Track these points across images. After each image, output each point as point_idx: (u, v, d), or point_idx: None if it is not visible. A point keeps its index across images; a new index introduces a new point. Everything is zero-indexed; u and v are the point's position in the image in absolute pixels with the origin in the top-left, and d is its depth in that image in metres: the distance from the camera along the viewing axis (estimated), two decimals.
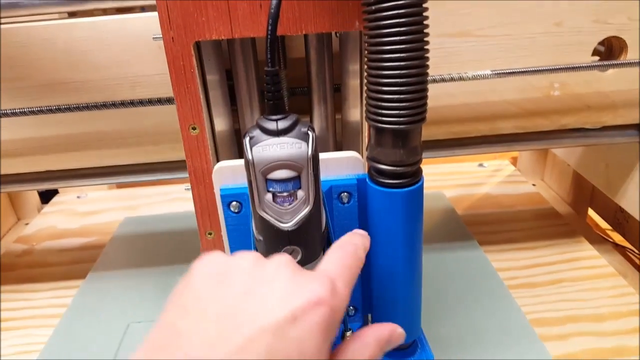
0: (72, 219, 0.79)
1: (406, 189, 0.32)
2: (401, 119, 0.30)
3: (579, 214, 0.77)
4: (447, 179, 0.85)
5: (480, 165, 0.90)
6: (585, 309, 0.53)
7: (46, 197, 0.88)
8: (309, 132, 0.28)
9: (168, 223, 0.74)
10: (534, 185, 0.83)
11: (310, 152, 0.28)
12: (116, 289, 0.59)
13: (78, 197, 0.87)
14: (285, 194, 0.29)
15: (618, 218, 0.74)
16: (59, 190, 0.89)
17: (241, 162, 0.35)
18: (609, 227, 0.79)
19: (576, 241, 0.66)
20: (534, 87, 0.48)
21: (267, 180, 0.29)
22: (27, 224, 0.80)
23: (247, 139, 0.28)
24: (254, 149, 0.28)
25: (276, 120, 0.28)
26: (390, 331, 0.28)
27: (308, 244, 0.30)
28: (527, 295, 0.55)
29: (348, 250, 0.27)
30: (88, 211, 0.81)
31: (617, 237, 0.76)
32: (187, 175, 0.38)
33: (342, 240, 0.29)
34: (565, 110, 0.50)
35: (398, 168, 0.31)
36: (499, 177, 0.85)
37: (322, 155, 0.33)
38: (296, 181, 0.29)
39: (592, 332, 0.50)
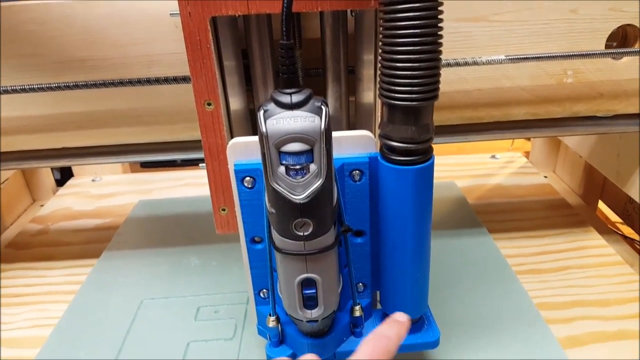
0: (87, 201, 0.81)
1: (417, 167, 0.33)
2: (413, 95, 0.30)
3: (589, 206, 0.77)
4: (459, 170, 0.85)
5: (493, 156, 0.90)
6: (591, 295, 0.53)
7: (62, 182, 0.89)
8: (322, 106, 0.29)
9: (182, 206, 0.75)
10: (545, 177, 0.83)
11: (323, 126, 0.29)
12: (130, 267, 0.60)
13: (93, 180, 0.88)
14: (297, 166, 0.29)
15: (627, 210, 0.73)
16: (74, 173, 0.90)
17: (255, 138, 0.35)
18: (618, 220, 0.79)
19: (585, 231, 0.66)
20: (548, 74, 0.48)
21: (280, 153, 0.29)
22: (42, 205, 0.82)
23: (261, 112, 0.29)
24: (268, 121, 0.28)
25: (290, 94, 0.29)
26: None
27: (319, 216, 0.31)
28: (534, 281, 0.55)
29: (380, 345, 0.30)
30: (102, 194, 0.83)
31: (627, 231, 0.76)
32: (201, 155, 0.39)
33: (378, 331, 0.31)
34: (578, 98, 0.50)
35: (409, 145, 0.32)
36: (511, 169, 0.85)
37: (335, 134, 0.34)
38: (309, 154, 0.29)
39: (597, 316, 0.50)
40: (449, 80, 0.47)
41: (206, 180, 0.40)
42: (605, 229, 0.68)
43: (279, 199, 0.30)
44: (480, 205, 0.73)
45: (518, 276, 0.56)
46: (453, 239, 0.63)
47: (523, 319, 0.49)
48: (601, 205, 0.81)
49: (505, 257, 0.59)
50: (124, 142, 0.49)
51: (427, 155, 0.33)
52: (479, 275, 0.55)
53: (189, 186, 0.84)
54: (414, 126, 0.31)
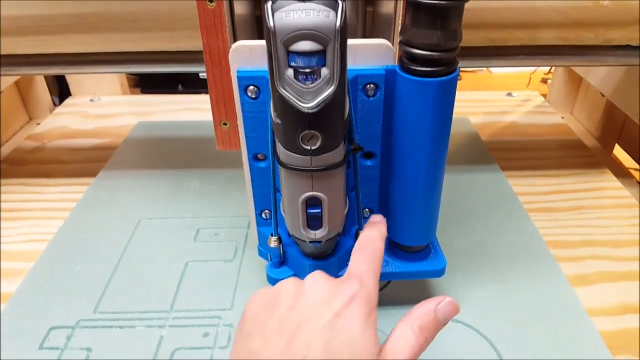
0: (85, 121, 0.78)
1: (439, 79, 0.29)
2: None
3: (606, 149, 0.74)
4: (473, 106, 0.81)
5: (509, 94, 0.86)
6: (603, 235, 0.52)
7: (61, 100, 0.86)
8: (339, 0, 0.25)
9: (182, 130, 0.72)
10: (562, 117, 0.79)
11: (339, 23, 0.25)
12: (128, 187, 0.59)
13: (91, 100, 0.85)
14: (307, 70, 0.26)
15: None
16: (72, 92, 0.87)
17: (261, 42, 0.32)
18: (634, 166, 0.77)
19: (600, 172, 0.63)
20: None
21: (288, 53, 0.26)
22: (38, 123, 0.79)
23: (268, 4, 0.25)
24: (276, 14, 0.25)
25: None
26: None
27: (329, 129, 0.28)
28: (545, 219, 0.53)
29: (368, 249, 0.31)
30: (101, 114, 0.80)
31: None
32: (202, 68, 0.36)
33: (362, 238, 0.32)
34: (613, 23, 0.46)
35: (433, 53, 0.28)
36: (527, 107, 0.82)
37: (350, 42, 0.30)
38: (321, 57, 0.26)
39: (607, 256, 0.49)
40: None
41: (209, 105, 0.37)
42: (621, 172, 0.66)
43: (285, 107, 0.27)
44: (494, 142, 0.70)
45: (529, 214, 0.54)
46: (464, 174, 0.61)
47: (532, 255, 0.47)
48: (617, 151, 0.78)
49: (516, 194, 0.57)
50: (121, 50, 0.46)
51: (451, 66, 0.30)
52: (489, 211, 0.54)
53: (191, 110, 0.81)
54: (440, 30, 0.28)
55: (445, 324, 0.29)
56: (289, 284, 0.28)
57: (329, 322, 0.25)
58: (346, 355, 0.24)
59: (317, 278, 0.28)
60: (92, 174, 0.62)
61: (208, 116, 0.38)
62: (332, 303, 0.26)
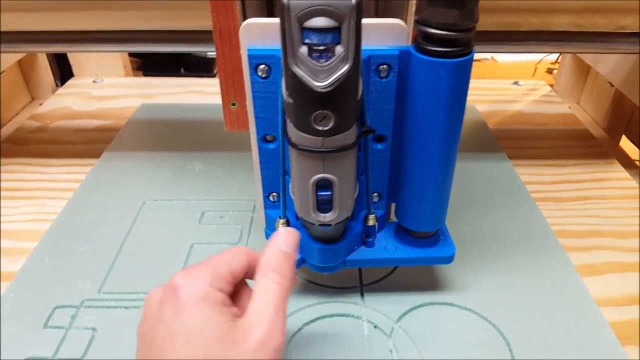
0: (87, 102, 0.77)
1: (455, 60, 0.29)
2: None
3: (613, 139, 0.73)
4: (480, 94, 0.80)
5: (515, 83, 0.85)
6: (610, 226, 0.51)
7: (62, 82, 0.85)
8: None
9: (186, 112, 0.72)
10: (569, 107, 0.79)
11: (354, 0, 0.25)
12: (132, 168, 0.58)
13: (94, 81, 0.84)
14: (322, 47, 0.26)
15: None
16: (75, 73, 0.86)
17: (273, 20, 0.31)
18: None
19: (607, 162, 0.63)
20: None
21: (303, 30, 0.25)
22: (40, 104, 0.78)
23: None
24: None
25: None
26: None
27: (342, 109, 0.28)
28: (553, 209, 0.53)
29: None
30: (103, 95, 0.79)
31: None
32: (207, 48, 0.35)
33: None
34: (627, 10, 0.45)
35: (450, 33, 0.28)
36: (534, 96, 0.81)
37: (364, 21, 0.30)
38: (336, 34, 0.25)
39: (614, 247, 0.48)
40: None
41: (212, 89, 0.36)
42: (629, 163, 0.65)
43: (298, 86, 0.27)
44: (500, 130, 0.69)
45: (536, 203, 0.53)
46: (472, 162, 0.60)
47: (540, 244, 0.47)
48: (623, 142, 0.78)
49: (524, 183, 0.56)
50: (125, 28, 0.45)
51: (467, 47, 0.29)
52: (497, 199, 0.53)
53: (194, 94, 0.79)
54: (458, 10, 0.27)
55: (297, 253, 0.28)
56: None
57: (168, 325, 0.24)
58: (201, 355, 0.22)
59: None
60: (96, 155, 0.61)
61: (211, 99, 0.37)
62: (164, 304, 0.24)
